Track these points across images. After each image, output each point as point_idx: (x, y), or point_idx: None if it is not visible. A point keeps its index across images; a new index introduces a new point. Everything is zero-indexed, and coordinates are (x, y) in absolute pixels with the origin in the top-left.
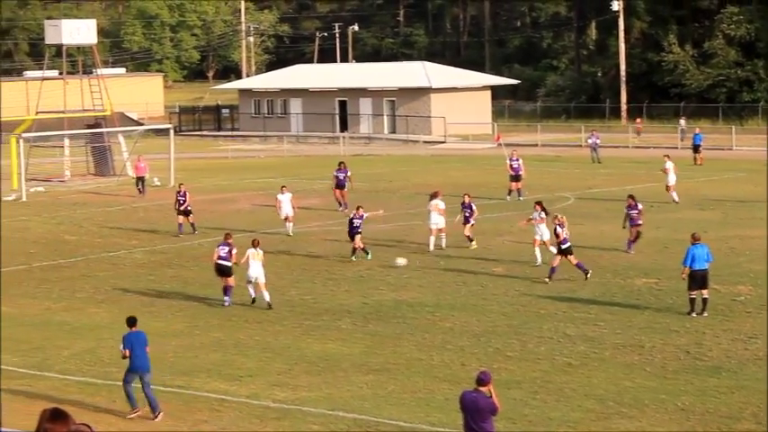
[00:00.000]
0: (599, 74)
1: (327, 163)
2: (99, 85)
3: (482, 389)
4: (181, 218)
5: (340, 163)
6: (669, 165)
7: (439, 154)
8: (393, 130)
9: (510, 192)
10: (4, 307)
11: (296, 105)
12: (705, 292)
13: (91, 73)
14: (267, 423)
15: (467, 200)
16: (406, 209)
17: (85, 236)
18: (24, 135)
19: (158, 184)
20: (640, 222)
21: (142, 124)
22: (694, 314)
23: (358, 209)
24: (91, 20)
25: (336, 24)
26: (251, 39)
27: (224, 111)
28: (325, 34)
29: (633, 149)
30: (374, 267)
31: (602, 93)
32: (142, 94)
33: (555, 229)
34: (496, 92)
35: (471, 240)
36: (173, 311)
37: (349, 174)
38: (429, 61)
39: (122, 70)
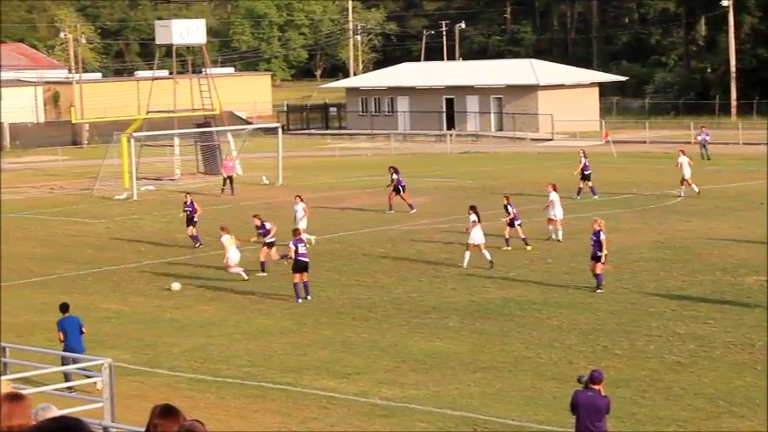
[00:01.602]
0: (708, 70)
1: (434, 161)
2: (208, 85)
3: (595, 387)
4: (190, 228)
5: (393, 167)
6: (683, 159)
7: (546, 151)
8: (500, 128)
9: (579, 191)
10: (116, 305)
11: (403, 103)
12: None
13: (200, 72)
14: (375, 420)
15: (505, 202)
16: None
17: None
18: (135, 134)
19: (266, 182)
20: None
21: (251, 123)
22: None
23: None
24: (200, 20)
25: (443, 22)
26: (358, 37)
27: (331, 109)
28: (432, 32)
29: (743, 146)
30: (481, 265)
31: (711, 89)
32: (250, 94)
33: (598, 235)
34: (604, 89)
35: (527, 243)
36: (281, 309)
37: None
38: (536, 58)
39: (231, 69)
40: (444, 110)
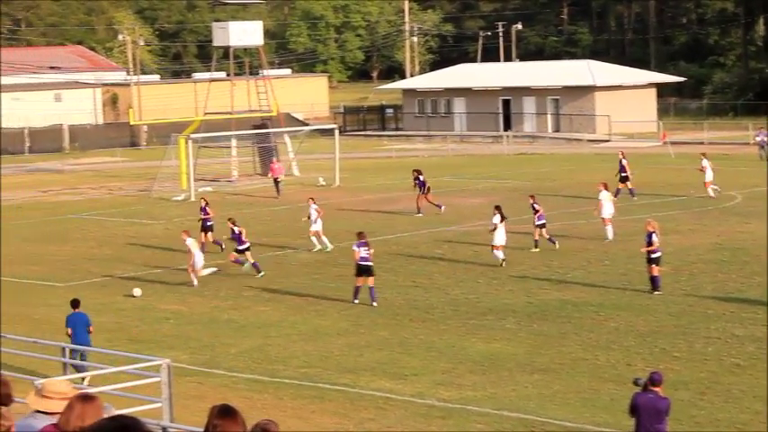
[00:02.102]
0: (767, 70)
1: (491, 162)
2: (265, 87)
3: (655, 389)
4: (203, 235)
5: (416, 170)
6: (705, 162)
7: (603, 152)
8: (557, 129)
9: (618, 192)
10: (174, 305)
11: (459, 105)
12: None
13: (257, 74)
14: (432, 422)
15: (531, 201)
16: (570, 207)
17: (252, 235)
18: (193, 136)
19: (323, 183)
20: None
21: (307, 125)
22: None
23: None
24: (257, 21)
25: (500, 23)
26: (415, 39)
27: (388, 111)
28: (489, 33)
29: None
30: (538, 267)
31: None
32: (307, 95)
33: (650, 236)
34: (662, 90)
35: (553, 242)
36: (338, 310)
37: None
38: (593, 59)
39: (288, 71)
40: (501, 111)
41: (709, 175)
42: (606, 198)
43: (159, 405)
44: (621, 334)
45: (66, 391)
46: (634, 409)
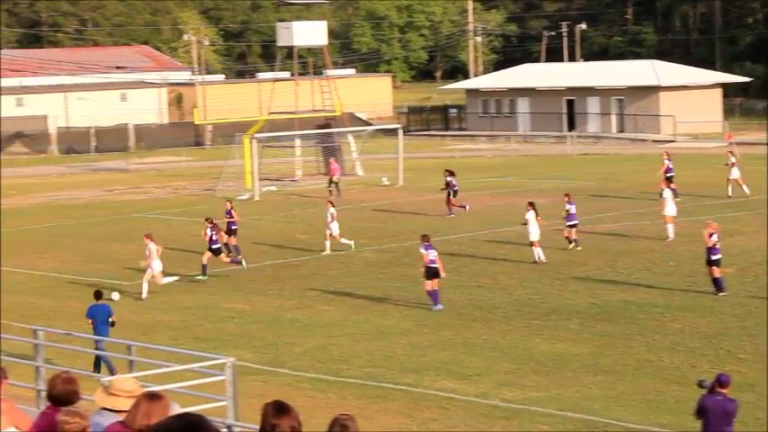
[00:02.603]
0: None
1: (555, 162)
2: (329, 86)
3: (723, 391)
4: (225, 237)
5: (448, 170)
6: (734, 160)
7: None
8: (621, 129)
9: (675, 193)
10: (238, 304)
11: (523, 105)
12: None
13: (321, 74)
14: (495, 422)
15: (566, 200)
16: (634, 208)
17: (316, 234)
18: (257, 135)
19: (387, 183)
20: None
21: (371, 124)
22: None
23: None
24: (321, 21)
25: (564, 23)
26: (478, 39)
27: (451, 110)
28: (553, 33)
29: None
30: (602, 267)
31: None
32: (371, 95)
33: (710, 237)
34: (727, 90)
35: (571, 243)
36: (401, 310)
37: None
38: (657, 59)
39: (352, 71)
40: (565, 111)
41: (735, 173)
42: (670, 197)
43: (224, 403)
44: (686, 335)
45: (133, 389)
46: (701, 412)
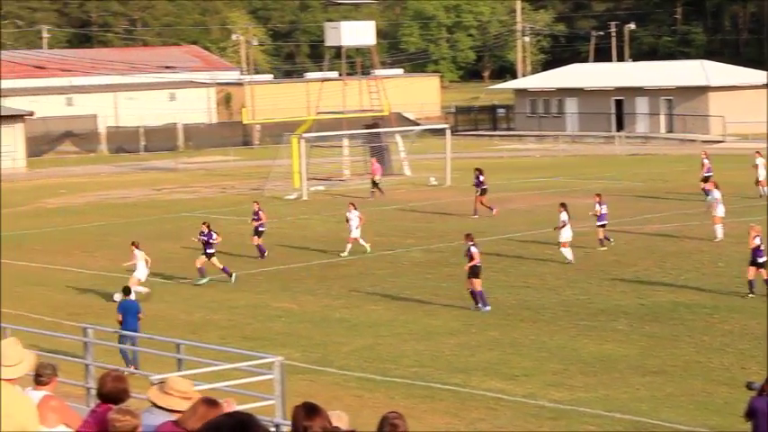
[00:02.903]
0: None
1: (603, 163)
2: (377, 86)
3: None
4: (255, 239)
5: (478, 169)
6: (760, 161)
7: (717, 153)
8: (670, 130)
9: (707, 192)
10: (286, 303)
11: (571, 105)
12: None
13: (369, 74)
14: (543, 423)
15: (597, 200)
16: (683, 209)
17: (364, 234)
18: (305, 135)
19: (435, 183)
20: None
21: (419, 124)
22: None
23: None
24: (369, 21)
25: (613, 23)
26: (526, 38)
27: (499, 110)
28: (602, 33)
29: None
30: (651, 268)
31: None
32: (418, 95)
33: (755, 239)
34: None
35: (603, 243)
36: (449, 310)
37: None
38: (707, 59)
39: (400, 71)
40: (613, 111)
41: (762, 174)
42: (718, 198)
43: (272, 402)
44: (735, 337)
45: (187, 391)
46: (751, 414)
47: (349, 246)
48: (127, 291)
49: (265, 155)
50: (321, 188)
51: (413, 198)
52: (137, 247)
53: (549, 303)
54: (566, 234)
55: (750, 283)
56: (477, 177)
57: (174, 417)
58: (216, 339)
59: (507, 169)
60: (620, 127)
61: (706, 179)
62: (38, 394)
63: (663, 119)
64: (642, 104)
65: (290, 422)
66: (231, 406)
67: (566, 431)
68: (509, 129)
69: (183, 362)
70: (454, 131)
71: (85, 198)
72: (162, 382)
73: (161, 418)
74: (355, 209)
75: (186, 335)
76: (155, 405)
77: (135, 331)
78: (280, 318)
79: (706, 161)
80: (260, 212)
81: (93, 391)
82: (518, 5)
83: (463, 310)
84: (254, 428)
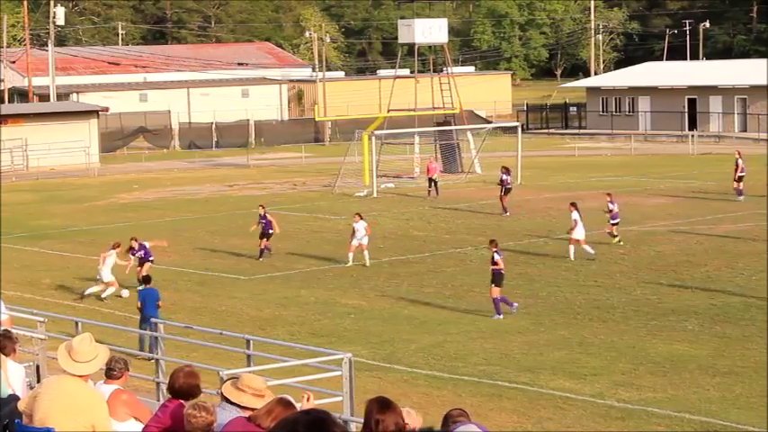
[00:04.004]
0: None
1: (675, 162)
2: (449, 84)
3: None
4: (264, 241)
5: (504, 167)
6: (741, 162)
7: None
8: (744, 129)
9: (740, 192)
10: (355, 300)
11: (644, 103)
12: None
13: (441, 71)
14: (611, 423)
15: (608, 199)
16: (755, 209)
17: (433, 232)
18: (376, 132)
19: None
20: None
21: (490, 122)
22: None
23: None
24: (442, 19)
25: (687, 21)
26: (600, 37)
27: (571, 109)
28: (675, 31)
29: None
30: (722, 268)
31: None
32: (490, 93)
33: None
34: None
35: (614, 237)
36: (519, 308)
37: (509, 178)
38: None
39: (472, 69)
40: (686, 110)
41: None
42: None
43: (340, 399)
44: None
45: (260, 388)
46: None
47: (351, 255)
48: (147, 279)
49: (336, 152)
50: (391, 185)
51: (484, 196)
52: (116, 249)
53: (618, 303)
54: (578, 233)
55: None
56: (502, 176)
57: (245, 413)
58: (285, 335)
59: (578, 168)
60: (692, 126)
61: (740, 179)
62: (109, 388)
63: (737, 118)
64: (716, 103)
65: (358, 419)
66: (311, 401)
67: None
68: (581, 127)
69: (251, 358)
70: (525, 129)
71: (158, 194)
72: (235, 378)
73: (233, 413)
74: (362, 219)
75: (255, 331)
76: (227, 401)
77: (154, 316)
78: (349, 314)
79: (740, 161)
80: (266, 216)
81: (164, 386)
82: (592, 4)
83: (533, 309)
84: (331, 426)
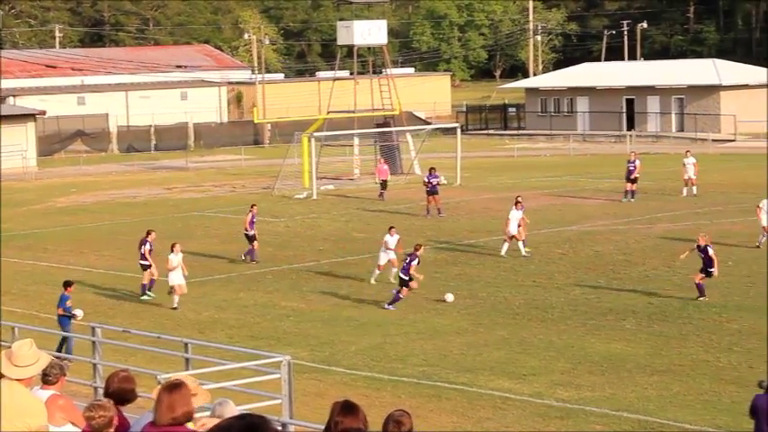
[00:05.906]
0: None
1: (614, 162)
2: (388, 85)
3: None
4: (256, 243)
5: (431, 168)
6: (689, 160)
7: (728, 152)
8: (681, 129)
9: (626, 193)
10: (295, 303)
11: (582, 104)
12: None
13: (381, 73)
14: (550, 422)
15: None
16: (693, 208)
17: (373, 233)
18: (316, 134)
19: (445, 182)
20: None
21: (429, 123)
22: None
23: None
24: (381, 20)
25: (625, 22)
26: (538, 37)
27: (510, 109)
28: (613, 32)
29: None
30: (659, 267)
31: None
32: (430, 94)
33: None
34: None
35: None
36: (457, 309)
37: (441, 179)
38: (719, 58)
39: (411, 70)
40: (624, 110)
41: (690, 172)
42: None
43: (279, 402)
44: (744, 336)
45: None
46: (754, 411)
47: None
48: (67, 284)
49: (276, 154)
50: (331, 187)
51: (423, 197)
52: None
53: (557, 302)
54: (513, 228)
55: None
56: (428, 177)
57: None
58: (224, 338)
59: (518, 168)
60: (630, 126)
61: (634, 180)
62: (45, 393)
63: (674, 118)
64: (653, 103)
65: (297, 422)
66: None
67: (573, 431)
68: (520, 128)
69: (190, 361)
70: (465, 130)
71: (96, 197)
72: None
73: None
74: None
75: (194, 334)
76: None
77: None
78: (288, 317)
79: (632, 164)
80: (254, 216)
81: (101, 390)
82: (530, 4)
83: (471, 310)
84: (266, 431)
